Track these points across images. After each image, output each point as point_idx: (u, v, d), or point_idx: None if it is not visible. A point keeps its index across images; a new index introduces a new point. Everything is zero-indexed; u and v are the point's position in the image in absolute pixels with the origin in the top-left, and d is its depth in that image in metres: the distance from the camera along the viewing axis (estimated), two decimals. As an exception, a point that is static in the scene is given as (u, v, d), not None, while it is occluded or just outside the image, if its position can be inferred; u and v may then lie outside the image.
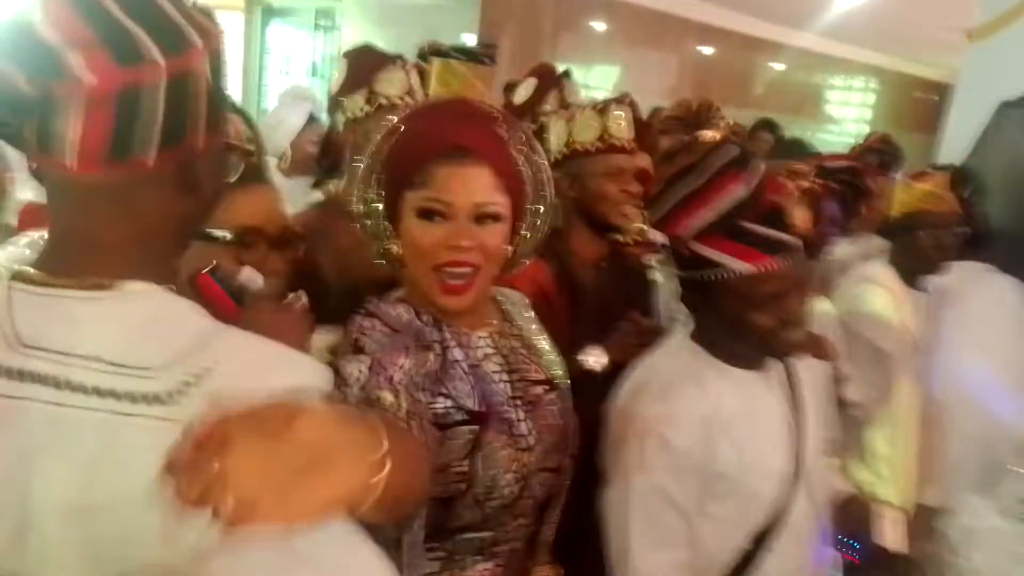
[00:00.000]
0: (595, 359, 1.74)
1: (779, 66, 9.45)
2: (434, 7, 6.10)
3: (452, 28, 5.79)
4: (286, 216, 1.30)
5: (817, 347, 1.97)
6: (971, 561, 1.58)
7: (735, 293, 1.33)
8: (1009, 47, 3.08)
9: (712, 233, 1.32)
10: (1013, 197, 2.95)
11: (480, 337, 1.27)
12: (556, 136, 1.97)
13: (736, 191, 1.30)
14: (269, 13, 6.83)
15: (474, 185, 1.19)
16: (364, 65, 1.86)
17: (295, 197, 2.56)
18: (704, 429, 1.35)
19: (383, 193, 1.24)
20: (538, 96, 2.31)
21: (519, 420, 1.24)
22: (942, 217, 2.31)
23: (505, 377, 1.26)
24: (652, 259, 2.28)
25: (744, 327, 1.36)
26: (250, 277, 1.18)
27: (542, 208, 1.29)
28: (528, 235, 1.29)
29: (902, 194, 2.38)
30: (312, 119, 2.90)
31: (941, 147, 3.21)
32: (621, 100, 1.99)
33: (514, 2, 6.50)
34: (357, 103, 1.84)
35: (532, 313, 1.43)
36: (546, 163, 1.30)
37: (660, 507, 1.36)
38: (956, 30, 3.64)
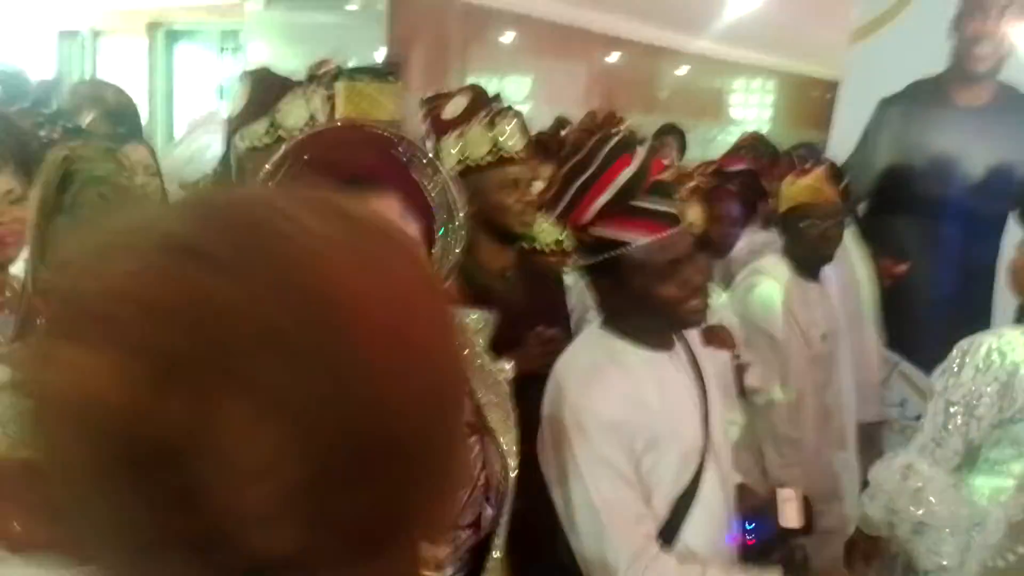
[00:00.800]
0: (501, 369, 1.80)
1: (682, 71, 9.76)
2: (340, 25, 6.10)
3: (359, 45, 5.77)
4: None
5: (717, 337, 2.09)
6: (919, 512, 1.73)
7: (638, 267, 1.45)
8: (887, 47, 3.28)
9: (610, 214, 1.44)
10: (893, 188, 3.15)
11: None
12: (448, 153, 2.01)
13: (625, 172, 1.42)
14: (173, 36, 6.71)
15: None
16: (265, 92, 1.85)
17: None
18: (629, 404, 1.45)
19: None
20: (468, 114, 2.33)
21: None
22: (824, 208, 2.47)
23: None
24: (566, 265, 2.37)
25: (651, 301, 1.47)
26: None
27: (453, 228, 1.23)
28: (443, 257, 1.23)
29: (787, 189, 2.55)
30: None
31: (830, 144, 3.39)
32: (507, 111, 2.05)
33: (421, 18, 6.54)
34: (258, 132, 1.81)
35: (482, 341, 1.37)
36: (450, 181, 1.24)
37: (617, 482, 1.43)
38: (842, 31, 3.86)
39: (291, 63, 5.77)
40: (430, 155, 1.26)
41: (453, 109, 2.36)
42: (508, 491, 1.29)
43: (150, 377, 0.36)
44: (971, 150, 3.03)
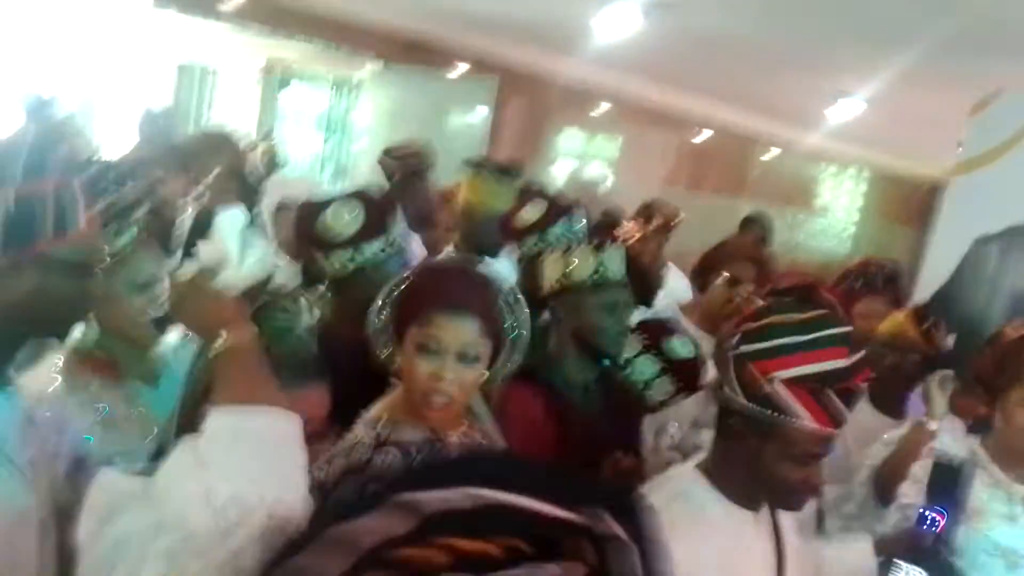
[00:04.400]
0: None
1: (772, 155, 9.73)
2: (450, 87, 6.35)
3: (466, 100, 6.03)
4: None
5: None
6: None
7: (786, 440, 1.44)
8: (987, 185, 3.28)
9: (799, 385, 1.43)
10: (981, 327, 3.12)
11: (452, 435, 1.54)
12: (552, 268, 2.09)
13: (838, 362, 1.44)
14: (286, 79, 7.02)
15: (462, 332, 1.48)
16: (379, 214, 2.03)
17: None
18: (700, 564, 1.42)
19: (393, 321, 1.54)
20: (546, 220, 2.41)
21: None
22: (902, 344, 2.56)
23: None
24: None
25: (771, 472, 1.47)
26: None
27: (517, 346, 1.60)
28: (502, 366, 1.59)
29: (882, 323, 2.64)
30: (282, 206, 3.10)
31: (921, 278, 3.40)
32: (615, 239, 2.14)
33: (528, 84, 6.78)
34: (376, 248, 2.00)
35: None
36: (526, 312, 1.58)
37: None
38: (945, 141, 3.84)
39: (400, 110, 6.03)
40: (513, 291, 1.58)
41: (531, 215, 2.39)
42: None
43: None
44: (1065, 302, 3.00)
